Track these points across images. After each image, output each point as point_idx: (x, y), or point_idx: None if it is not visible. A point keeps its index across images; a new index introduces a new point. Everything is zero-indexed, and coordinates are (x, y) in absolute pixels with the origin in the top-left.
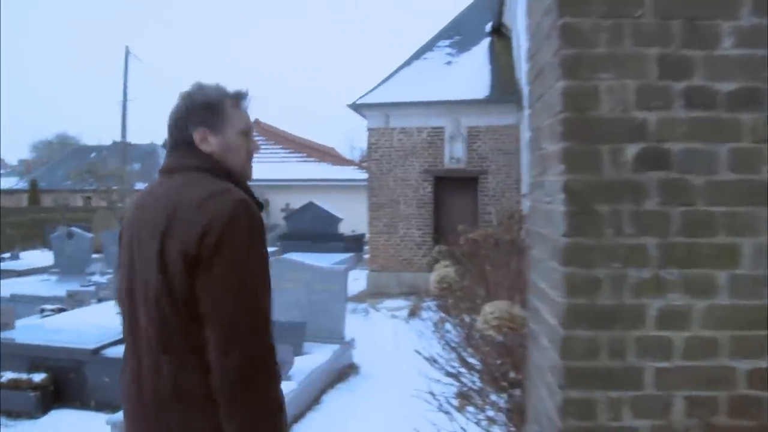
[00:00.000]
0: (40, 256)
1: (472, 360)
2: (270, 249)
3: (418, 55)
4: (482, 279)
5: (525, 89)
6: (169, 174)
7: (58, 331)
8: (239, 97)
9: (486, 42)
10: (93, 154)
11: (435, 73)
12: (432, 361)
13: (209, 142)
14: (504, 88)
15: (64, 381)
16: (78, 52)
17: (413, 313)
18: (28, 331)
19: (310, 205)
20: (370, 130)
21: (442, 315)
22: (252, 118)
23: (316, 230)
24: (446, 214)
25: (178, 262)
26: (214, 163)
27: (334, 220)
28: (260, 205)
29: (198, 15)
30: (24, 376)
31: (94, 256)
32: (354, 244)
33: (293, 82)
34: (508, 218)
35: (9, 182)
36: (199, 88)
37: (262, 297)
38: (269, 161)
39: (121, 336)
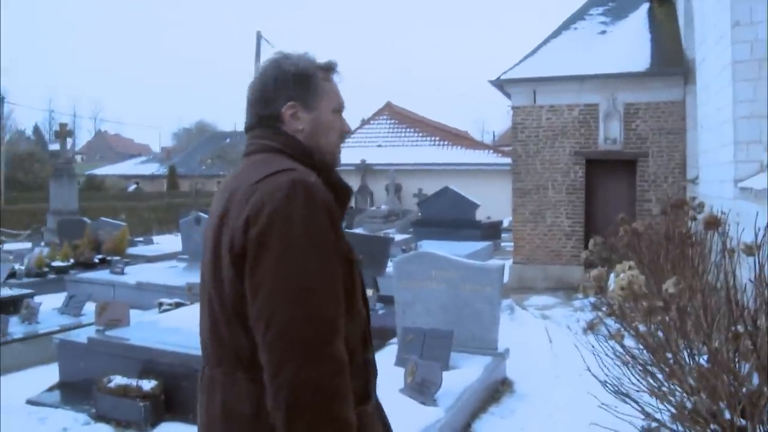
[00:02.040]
0: (173, 241)
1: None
2: (402, 236)
3: (567, 25)
4: (652, 276)
5: (697, 58)
6: (249, 156)
7: (172, 331)
8: (331, 69)
9: (644, 8)
10: (227, 140)
11: (587, 44)
12: (612, 386)
13: (300, 119)
14: (667, 59)
15: (176, 389)
16: (213, 39)
17: (592, 328)
18: (142, 329)
19: (445, 190)
20: (514, 108)
21: (623, 327)
22: (383, 102)
23: (450, 217)
24: (600, 201)
25: (227, 255)
26: (298, 144)
27: (471, 207)
28: (346, 192)
29: None
30: (134, 382)
31: None
32: (491, 231)
33: (425, 64)
34: (675, 207)
35: (151, 168)
36: (286, 57)
37: (325, 301)
38: (401, 145)
39: None
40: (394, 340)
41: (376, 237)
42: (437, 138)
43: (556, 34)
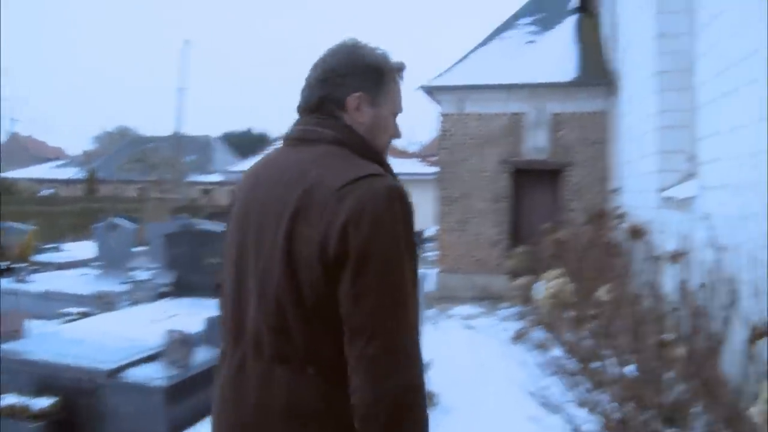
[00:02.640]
0: (87, 248)
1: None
2: None
3: (496, 34)
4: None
5: (621, 70)
6: (302, 143)
7: (75, 343)
8: (401, 70)
9: (572, 20)
10: (150, 145)
11: (516, 53)
12: (540, 397)
13: (362, 112)
14: (593, 70)
15: (78, 407)
16: (135, 42)
17: (521, 337)
18: (42, 341)
19: None
20: (443, 115)
21: (550, 336)
22: None
23: None
24: (525, 210)
25: (312, 257)
26: (360, 138)
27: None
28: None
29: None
30: (28, 400)
31: (139, 249)
32: None
33: None
34: (598, 217)
35: (68, 173)
36: (361, 45)
37: (414, 310)
38: None
39: (149, 353)
40: None
41: None
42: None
43: (485, 42)
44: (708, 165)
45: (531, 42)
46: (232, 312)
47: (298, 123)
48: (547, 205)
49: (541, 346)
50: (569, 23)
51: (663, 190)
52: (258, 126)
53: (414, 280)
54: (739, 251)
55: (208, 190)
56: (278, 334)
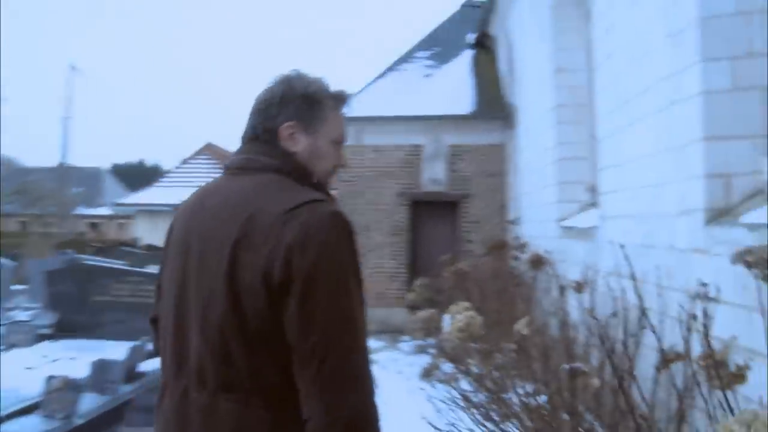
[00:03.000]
0: None
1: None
2: None
3: (394, 67)
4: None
5: (519, 104)
6: (243, 172)
7: None
8: (340, 99)
9: (468, 54)
10: (33, 177)
11: (413, 86)
12: None
13: (296, 141)
14: (489, 104)
15: None
16: (16, 66)
17: (429, 374)
18: None
19: None
20: None
21: (458, 370)
22: (204, 142)
23: None
24: (424, 242)
25: (255, 284)
26: (298, 166)
27: None
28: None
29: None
30: None
31: (18, 287)
32: None
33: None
34: (497, 247)
35: None
36: (300, 77)
37: (363, 332)
38: None
39: (27, 403)
40: None
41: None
42: None
43: (382, 75)
44: (608, 195)
45: (428, 75)
46: (172, 343)
47: (239, 152)
48: (446, 236)
49: (450, 380)
50: (466, 58)
51: (563, 219)
52: (151, 158)
53: (361, 304)
54: (645, 279)
55: (96, 223)
56: (222, 363)
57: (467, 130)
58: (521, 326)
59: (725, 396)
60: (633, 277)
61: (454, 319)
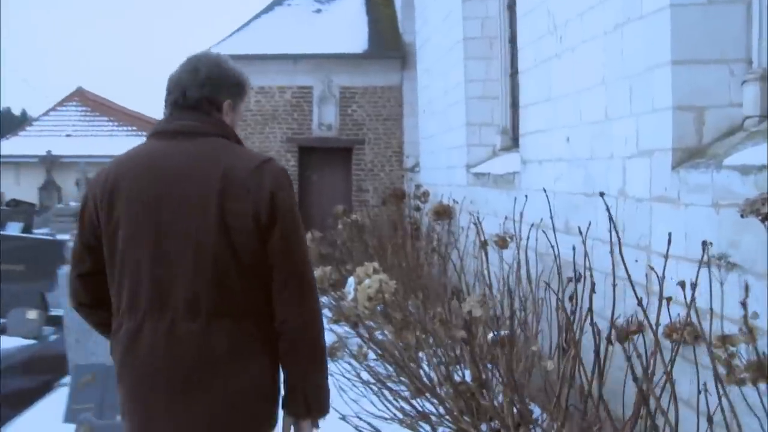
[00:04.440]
0: None
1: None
2: None
3: (280, 1)
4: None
5: (418, 41)
6: (183, 136)
7: None
8: (248, 86)
9: None
10: None
11: (301, 22)
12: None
13: (228, 116)
14: (385, 43)
15: None
16: None
17: (335, 354)
18: None
19: None
20: None
21: (371, 345)
22: (75, 85)
23: None
24: (314, 192)
25: (245, 224)
26: (233, 132)
27: None
28: None
29: None
30: None
31: None
32: None
33: (120, 41)
34: (394, 197)
35: None
36: (229, 62)
37: None
38: (95, 135)
39: None
40: (68, 379)
41: (41, 240)
42: (135, 128)
43: (267, 9)
44: (532, 136)
45: (318, 11)
46: (150, 287)
47: (174, 118)
48: (338, 186)
49: (358, 356)
50: None
51: (473, 165)
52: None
53: None
54: (584, 234)
55: None
56: (218, 291)
57: (360, 70)
58: (472, 306)
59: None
60: (569, 231)
61: (360, 284)
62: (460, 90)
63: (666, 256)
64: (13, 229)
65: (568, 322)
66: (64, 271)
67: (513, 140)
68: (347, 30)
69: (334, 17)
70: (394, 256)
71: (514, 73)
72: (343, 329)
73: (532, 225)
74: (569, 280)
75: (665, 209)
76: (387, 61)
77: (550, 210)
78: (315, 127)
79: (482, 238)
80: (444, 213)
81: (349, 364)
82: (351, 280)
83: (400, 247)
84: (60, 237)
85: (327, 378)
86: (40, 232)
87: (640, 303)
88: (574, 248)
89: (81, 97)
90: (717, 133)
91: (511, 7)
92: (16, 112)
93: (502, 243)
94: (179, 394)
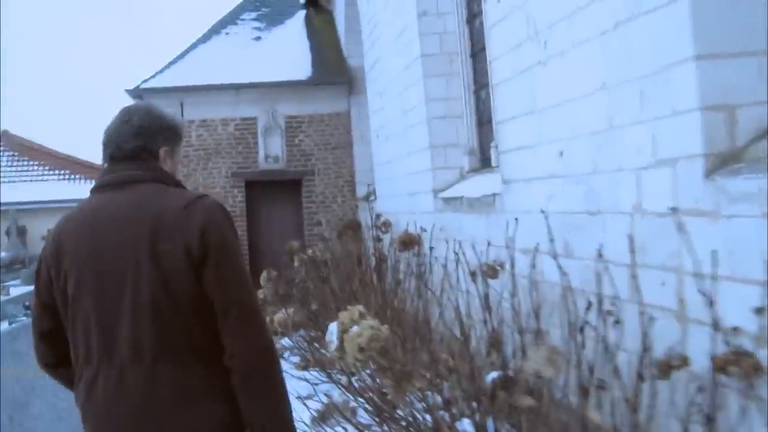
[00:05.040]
0: None
1: None
2: (30, 287)
3: (217, 29)
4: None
5: (366, 63)
6: (123, 187)
7: None
8: (183, 129)
9: (301, 15)
10: None
11: (241, 50)
12: None
13: (166, 162)
14: (330, 68)
15: None
16: None
17: (325, 418)
18: None
19: None
20: None
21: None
22: None
23: None
24: (263, 228)
25: (177, 263)
26: (171, 176)
27: None
28: None
29: None
30: None
31: None
32: None
33: (48, 83)
34: (351, 228)
35: None
36: (160, 110)
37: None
38: (22, 180)
39: None
40: None
41: None
42: (68, 171)
43: (205, 38)
44: (513, 154)
45: (257, 39)
46: (99, 338)
47: (110, 170)
48: (289, 220)
49: (344, 412)
50: (298, 20)
51: (441, 190)
52: None
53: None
54: (591, 257)
55: None
56: (157, 334)
57: (305, 98)
58: (539, 363)
59: None
60: (570, 254)
61: (346, 331)
62: (421, 110)
63: (715, 277)
64: None
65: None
66: None
67: (482, 160)
68: (289, 57)
69: (274, 45)
70: (362, 294)
71: (478, 89)
72: (312, 375)
73: (520, 250)
74: (588, 308)
75: (699, 223)
76: (333, 88)
77: (549, 232)
78: (261, 159)
79: (469, 268)
80: (411, 243)
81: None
82: (333, 327)
83: (367, 284)
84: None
85: (288, 409)
86: None
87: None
88: (578, 274)
89: (7, 141)
90: (751, 133)
91: (471, 21)
92: None
93: (491, 272)
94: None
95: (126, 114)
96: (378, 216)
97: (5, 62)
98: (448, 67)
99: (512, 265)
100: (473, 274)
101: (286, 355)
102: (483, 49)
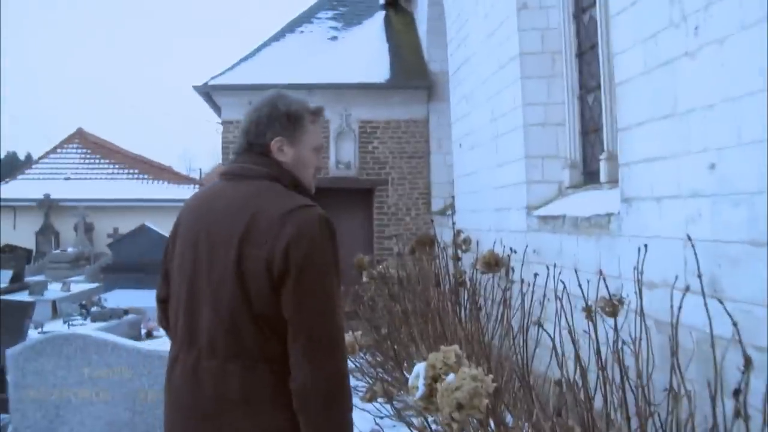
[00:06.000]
0: None
1: None
2: (90, 285)
3: (292, 28)
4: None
5: (451, 65)
6: (240, 179)
7: None
8: (317, 113)
9: (380, 16)
10: None
11: (316, 50)
12: None
13: (284, 153)
14: (408, 72)
15: None
16: None
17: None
18: None
19: (142, 229)
20: (225, 123)
21: None
22: (75, 127)
23: (149, 260)
24: None
25: (259, 272)
26: (286, 173)
27: None
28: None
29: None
30: None
31: None
32: None
33: (124, 82)
34: (425, 244)
35: None
36: (282, 97)
37: (341, 314)
38: (94, 178)
39: None
40: None
41: (8, 302)
42: (137, 171)
43: (278, 36)
44: (643, 166)
45: (334, 38)
46: (184, 320)
47: (236, 161)
48: (358, 232)
49: None
50: (377, 20)
51: (536, 207)
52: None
53: (339, 289)
54: (741, 301)
55: None
56: (232, 336)
57: (382, 102)
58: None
59: None
60: (717, 293)
61: (436, 378)
62: (516, 116)
63: None
64: (3, 276)
65: None
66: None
67: (585, 175)
68: (366, 59)
69: (351, 45)
70: (439, 322)
71: (583, 94)
72: (375, 407)
73: (646, 284)
74: (746, 366)
75: None
76: (411, 92)
77: (696, 263)
78: (332, 165)
79: (584, 301)
80: (497, 264)
81: None
82: (420, 369)
83: (445, 309)
84: (29, 298)
85: None
86: (34, 280)
87: None
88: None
89: (81, 139)
90: None
91: (579, 16)
92: (21, 155)
93: (611, 309)
94: (194, 427)
95: (256, 104)
96: (458, 232)
97: (82, 61)
98: (549, 68)
99: (640, 301)
100: (588, 310)
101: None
102: (592, 47)
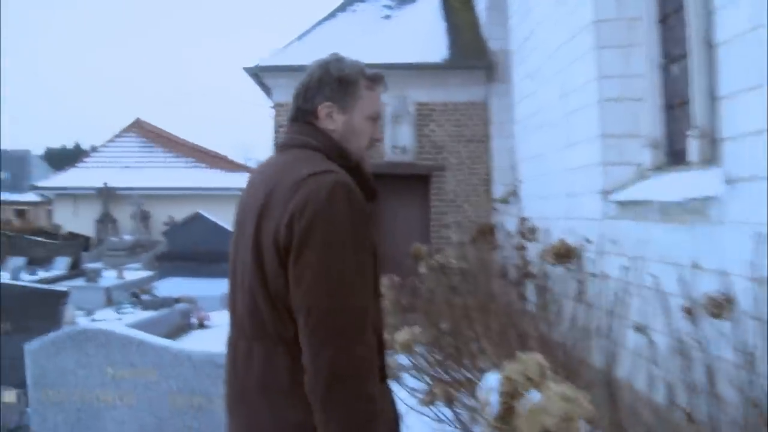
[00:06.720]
0: None
1: None
2: (145, 273)
3: (344, 7)
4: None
5: (515, 39)
6: (283, 149)
7: None
8: (376, 80)
9: None
10: None
11: (369, 29)
12: None
13: (333, 120)
14: (466, 51)
15: None
16: None
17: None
18: None
19: (197, 218)
20: (276, 106)
21: None
22: (133, 117)
23: (204, 249)
24: (386, 227)
25: (270, 247)
26: (330, 142)
27: (227, 236)
28: (375, 192)
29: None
30: None
31: None
32: None
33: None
34: (486, 233)
35: None
36: (337, 60)
37: (360, 293)
38: (151, 166)
39: None
40: None
41: (40, 290)
42: (193, 159)
43: (330, 16)
44: (751, 140)
45: (387, 17)
46: (230, 301)
47: (285, 131)
48: (414, 220)
49: None
50: None
51: (612, 191)
52: (86, 139)
53: (363, 266)
54: None
55: (22, 210)
56: (254, 316)
57: (439, 84)
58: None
59: None
60: None
61: (516, 395)
62: (590, 90)
63: None
64: (61, 264)
65: None
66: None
67: (669, 155)
68: (422, 38)
69: (406, 24)
70: (507, 320)
71: (667, 63)
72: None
73: (756, 280)
74: None
75: None
76: (470, 73)
77: None
78: (388, 150)
79: (687, 302)
80: (569, 255)
81: None
82: (493, 380)
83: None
84: (59, 287)
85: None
86: (91, 267)
87: None
88: None
89: (139, 129)
90: None
91: None
92: (70, 146)
93: (716, 309)
94: (232, 409)
95: (308, 70)
96: (523, 220)
97: (141, 54)
98: (626, 37)
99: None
100: (689, 311)
101: (403, 375)
102: (677, 10)
